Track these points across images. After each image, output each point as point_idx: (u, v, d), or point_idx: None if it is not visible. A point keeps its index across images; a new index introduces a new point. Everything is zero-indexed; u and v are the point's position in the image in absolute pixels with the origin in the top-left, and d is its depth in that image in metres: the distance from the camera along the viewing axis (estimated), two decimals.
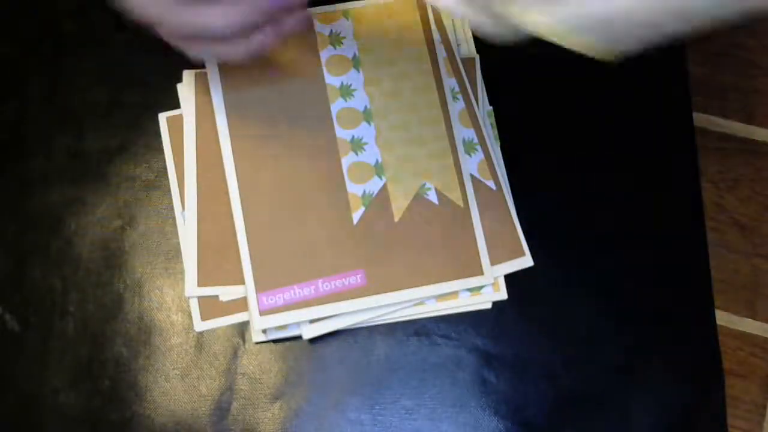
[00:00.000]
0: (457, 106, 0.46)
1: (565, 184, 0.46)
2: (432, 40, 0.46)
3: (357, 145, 0.44)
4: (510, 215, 0.44)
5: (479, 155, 0.45)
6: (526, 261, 0.44)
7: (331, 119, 0.45)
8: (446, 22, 0.47)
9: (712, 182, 0.47)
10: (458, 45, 0.47)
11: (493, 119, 0.46)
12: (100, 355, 0.43)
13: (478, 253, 0.43)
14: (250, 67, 0.43)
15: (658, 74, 0.48)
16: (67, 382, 0.42)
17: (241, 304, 0.43)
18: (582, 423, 0.42)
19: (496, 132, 0.46)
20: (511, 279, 0.44)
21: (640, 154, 0.47)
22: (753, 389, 0.43)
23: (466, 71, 0.46)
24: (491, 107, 0.47)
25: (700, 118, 0.48)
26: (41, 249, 0.44)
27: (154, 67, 0.47)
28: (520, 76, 0.48)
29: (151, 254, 0.44)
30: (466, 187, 0.44)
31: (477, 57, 0.47)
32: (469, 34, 0.48)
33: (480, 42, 0.48)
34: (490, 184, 0.45)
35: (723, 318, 0.44)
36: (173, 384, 0.43)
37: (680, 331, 0.44)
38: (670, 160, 0.47)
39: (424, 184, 0.44)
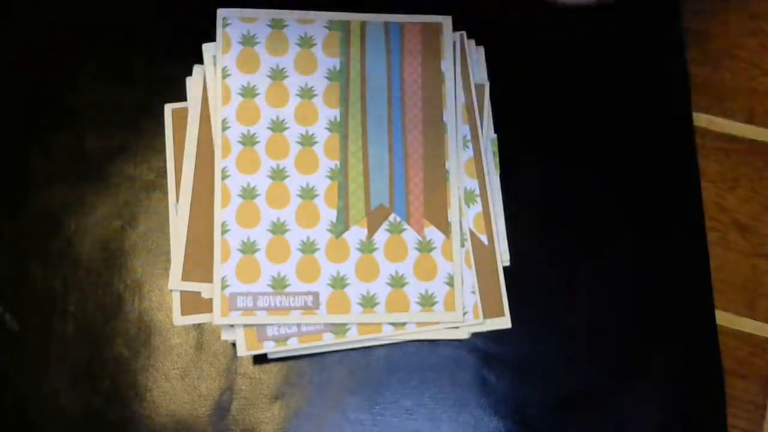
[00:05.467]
0: (465, 155, 0.46)
1: (565, 181, 0.46)
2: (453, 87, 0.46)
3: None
4: (497, 273, 0.44)
5: (477, 207, 0.45)
6: (505, 322, 0.43)
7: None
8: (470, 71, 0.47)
9: (712, 182, 0.47)
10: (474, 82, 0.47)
11: (496, 147, 0.46)
12: (100, 355, 0.43)
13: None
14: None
15: (658, 74, 0.48)
16: (67, 382, 0.42)
17: None
18: (582, 423, 0.42)
19: (497, 160, 0.46)
20: (511, 279, 0.44)
21: (640, 155, 0.47)
22: (753, 389, 0.43)
23: (476, 97, 0.46)
24: (495, 135, 0.47)
25: (700, 118, 0.48)
26: (41, 249, 0.44)
27: (154, 67, 0.47)
28: (517, 75, 0.48)
29: (151, 254, 0.44)
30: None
31: (487, 84, 0.47)
32: (482, 59, 0.48)
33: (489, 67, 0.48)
34: (484, 238, 0.44)
35: (723, 318, 0.44)
36: (173, 384, 0.43)
37: (680, 331, 0.44)
38: (670, 160, 0.47)
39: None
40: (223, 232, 0.42)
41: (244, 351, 0.41)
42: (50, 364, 0.43)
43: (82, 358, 0.43)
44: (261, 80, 0.45)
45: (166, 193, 0.45)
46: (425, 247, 0.43)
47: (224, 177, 0.43)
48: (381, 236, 0.43)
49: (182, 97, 0.46)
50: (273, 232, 0.43)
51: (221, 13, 0.46)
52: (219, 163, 0.43)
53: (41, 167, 0.46)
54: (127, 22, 0.48)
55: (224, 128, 0.44)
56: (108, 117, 0.47)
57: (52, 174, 0.46)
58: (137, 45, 0.48)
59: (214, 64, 0.45)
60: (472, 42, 0.47)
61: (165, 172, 0.45)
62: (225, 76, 0.44)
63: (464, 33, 0.47)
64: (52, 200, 0.45)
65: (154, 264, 0.44)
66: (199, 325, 0.43)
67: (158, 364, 0.43)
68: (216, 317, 0.41)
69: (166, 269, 0.44)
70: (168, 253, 0.44)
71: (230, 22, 0.45)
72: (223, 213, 0.43)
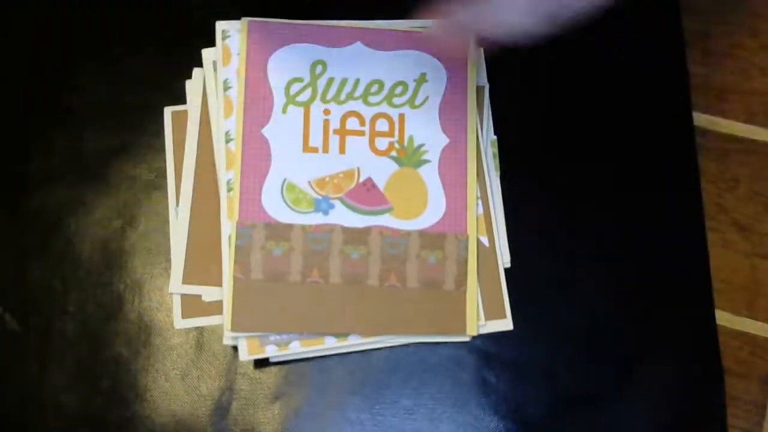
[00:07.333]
0: None
1: (565, 182, 0.46)
2: None
3: None
4: (498, 275, 0.44)
5: (478, 208, 0.45)
6: (506, 324, 0.43)
7: None
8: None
9: (712, 182, 0.47)
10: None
11: (496, 148, 0.46)
12: (100, 355, 0.43)
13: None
14: None
15: (658, 74, 0.48)
16: (67, 382, 0.42)
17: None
18: (582, 423, 0.42)
19: (497, 162, 0.46)
20: (511, 279, 0.44)
21: (640, 155, 0.47)
22: (753, 389, 0.43)
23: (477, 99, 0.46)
24: (495, 137, 0.47)
25: (700, 118, 0.48)
26: (41, 249, 0.44)
27: (154, 67, 0.47)
28: (516, 76, 0.48)
29: (151, 254, 0.44)
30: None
31: (487, 85, 0.47)
32: (482, 60, 0.48)
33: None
34: (484, 239, 0.44)
35: (723, 318, 0.44)
36: (173, 384, 0.43)
37: (680, 331, 0.44)
38: (670, 160, 0.47)
39: None
40: (232, 243, 0.42)
41: (246, 356, 0.41)
42: (50, 364, 0.43)
43: (82, 358, 0.43)
44: None
45: (166, 194, 0.45)
46: None
47: (229, 189, 0.43)
48: None
49: (182, 97, 0.46)
50: None
51: (220, 25, 0.45)
52: (223, 176, 0.43)
53: (41, 167, 0.46)
54: (127, 22, 0.48)
55: (227, 140, 0.43)
56: (108, 117, 0.47)
57: (52, 174, 0.46)
58: (137, 45, 0.48)
59: (215, 70, 0.45)
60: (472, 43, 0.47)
61: (165, 173, 0.45)
62: (226, 88, 0.44)
63: None
64: (52, 200, 0.45)
65: (154, 264, 0.44)
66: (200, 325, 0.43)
67: (158, 365, 0.43)
68: (227, 336, 0.41)
69: (166, 269, 0.44)
70: (168, 253, 0.44)
71: (230, 34, 0.45)
72: (230, 225, 0.42)
